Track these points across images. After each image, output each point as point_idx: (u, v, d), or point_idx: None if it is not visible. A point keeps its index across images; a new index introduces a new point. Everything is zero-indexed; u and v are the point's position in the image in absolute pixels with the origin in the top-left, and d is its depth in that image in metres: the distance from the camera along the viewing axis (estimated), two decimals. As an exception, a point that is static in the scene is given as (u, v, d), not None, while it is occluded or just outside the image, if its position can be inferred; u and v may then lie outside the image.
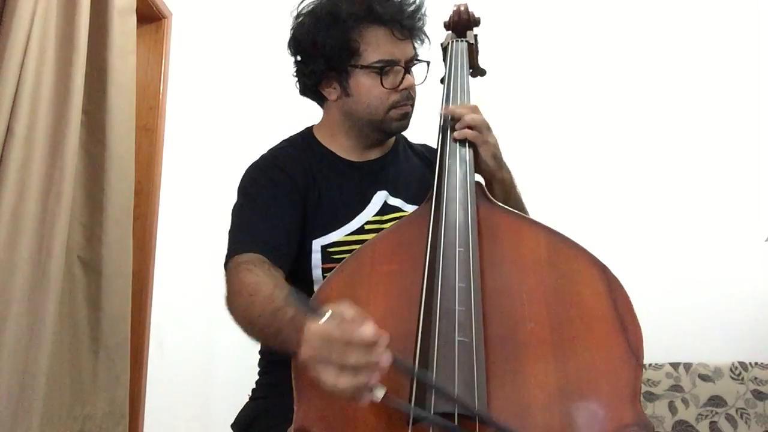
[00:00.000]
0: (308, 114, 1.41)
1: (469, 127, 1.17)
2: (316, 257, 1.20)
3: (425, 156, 1.40)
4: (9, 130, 1.47)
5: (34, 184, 1.54)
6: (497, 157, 1.19)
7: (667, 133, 2.78)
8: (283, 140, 1.35)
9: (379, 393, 0.74)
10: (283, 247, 1.15)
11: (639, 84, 2.85)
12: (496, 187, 1.19)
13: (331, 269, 1.16)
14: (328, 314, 0.75)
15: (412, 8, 1.24)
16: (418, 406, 0.76)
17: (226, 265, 1.13)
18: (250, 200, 1.22)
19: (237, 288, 1.04)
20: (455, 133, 1.17)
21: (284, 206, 1.19)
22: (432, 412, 0.75)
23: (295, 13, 1.27)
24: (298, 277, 1.21)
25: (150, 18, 2.27)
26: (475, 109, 1.20)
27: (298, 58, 1.29)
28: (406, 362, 0.76)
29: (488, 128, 1.19)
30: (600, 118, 2.85)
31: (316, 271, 1.20)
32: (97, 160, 1.82)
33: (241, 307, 1.01)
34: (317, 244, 1.20)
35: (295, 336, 0.79)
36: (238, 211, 1.21)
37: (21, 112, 1.50)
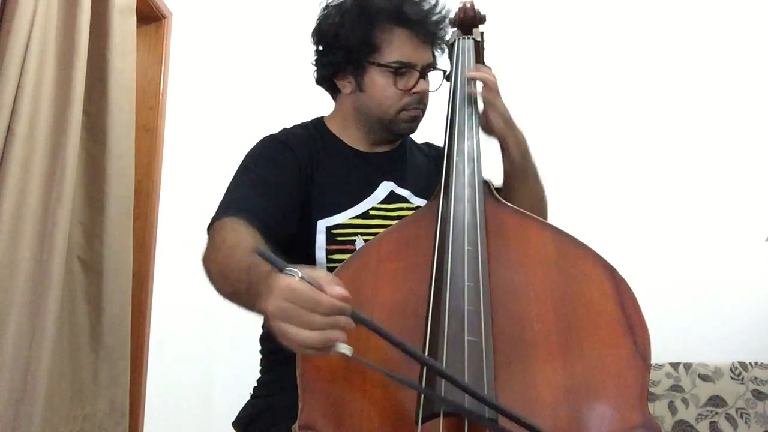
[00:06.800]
0: (308, 114, 1.41)
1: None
2: (321, 238, 1.20)
3: (430, 153, 1.42)
4: (10, 130, 1.47)
5: (35, 184, 1.53)
6: (507, 120, 1.21)
7: (669, 133, 2.79)
8: (295, 124, 1.35)
9: (344, 350, 0.73)
10: (272, 220, 1.12)
11: (642, 85, 2.86)
12: (512, 147, 1.21)
13: (334, 251, 1.17)
14: (299, 273, 0.73)
15: (437, 16, 1.26)
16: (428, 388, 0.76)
17: (209, 227, 1.10)
18: (249, 171, 1.21)
19: (218, 243, 1.02)
20: (468, 88, 1.21)
21: (282, 183, 1.19)
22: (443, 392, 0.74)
23: (323, 4, 1.29)
24: (301, 258, 1.20)
25: (150, 18, 2.27)
26: (491, 74, 1.23)
27: (320, 47, 1.30)
28: (372, 324, 0.74)
29: (498, 93, 1.22)
30: (604, 117, 2.85)
31: (320, 253, 1.19)
32: (97, 160, 1.81)
33: (217, 260, 0.99)
34: (322, 225, 1.20)
35: (266, 291, 0.76)
36: (234, 180, 1.21)
37: (22, 113, 1.49)
